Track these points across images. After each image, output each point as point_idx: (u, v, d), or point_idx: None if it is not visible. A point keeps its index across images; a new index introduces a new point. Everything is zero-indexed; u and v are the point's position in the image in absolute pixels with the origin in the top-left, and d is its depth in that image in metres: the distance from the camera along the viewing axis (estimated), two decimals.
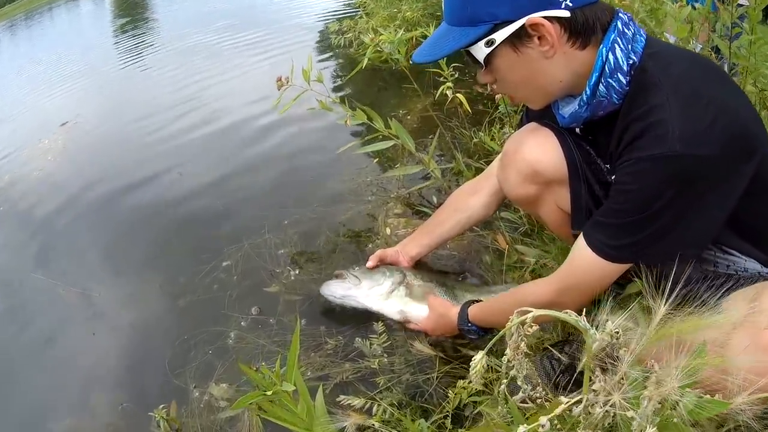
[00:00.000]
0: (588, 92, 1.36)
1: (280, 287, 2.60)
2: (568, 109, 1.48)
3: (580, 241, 1.44)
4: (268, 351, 2.29)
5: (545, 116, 1.68)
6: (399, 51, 2.62)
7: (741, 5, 2.21)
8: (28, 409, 2.38)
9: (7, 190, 4.37)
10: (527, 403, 1.63)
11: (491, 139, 3.05)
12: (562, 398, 1.03)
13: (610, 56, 1.30)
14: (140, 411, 2.18)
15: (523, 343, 1.03)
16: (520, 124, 1.86)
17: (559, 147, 1.62)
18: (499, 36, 1.32)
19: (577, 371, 1.08)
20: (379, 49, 2.69)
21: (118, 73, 6.67)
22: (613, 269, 1.40)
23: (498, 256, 2.42)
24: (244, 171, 3.71)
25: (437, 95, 2.89)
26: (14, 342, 2.76)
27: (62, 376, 2.50)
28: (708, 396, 0.94)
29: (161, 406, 2.10)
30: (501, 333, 1.03)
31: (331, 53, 5.91)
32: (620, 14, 1.36)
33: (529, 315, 0.96)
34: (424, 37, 2.73)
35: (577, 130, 1.61)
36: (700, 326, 0.99)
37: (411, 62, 1.60)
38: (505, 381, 1.11)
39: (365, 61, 2.75)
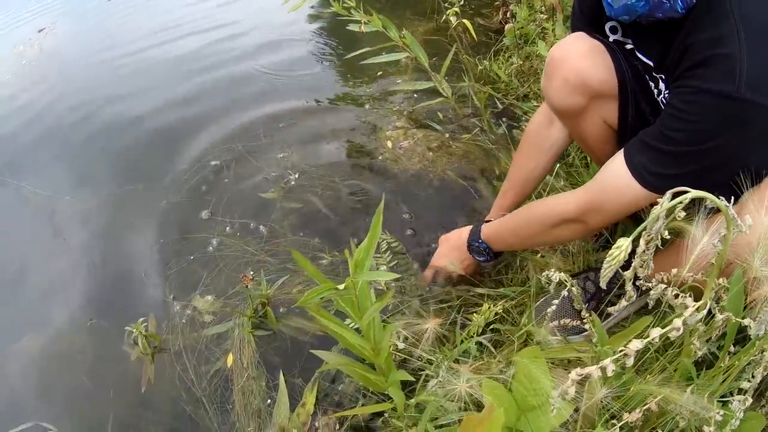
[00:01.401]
0: None
1: (278, 193, 2.44)
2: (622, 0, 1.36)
3: (618, 159, 1.34)
4: (258, 261, 2.13)
5: (594, 12, 1.55)
6: None
7: None
8: None
9: None
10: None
11: (498, 68, 2.94)
12: (689, 301, 0.94)
13: None
14: (112, 327, 2.03)
15: (665, 233, 0.91)
16: (573, 15, 1.71)
17: (609, 59, 1.52)
18: None
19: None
20: None
21: None
22: (646, 197, 1.30)
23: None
24: (241, 77, 3.46)
25: (442, 20, 2.74)
26: None
27: (21, 287, 2.30)
28: None
29: (140, 320, 1.93)
30: (646, 223, 0.90)
31: None
32: None
33: (687, 195, 0.85)
34: None
35: (611, 39, 1.53)
36: None
37: None
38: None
39: None
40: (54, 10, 5.26)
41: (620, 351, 0.85)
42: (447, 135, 2.65)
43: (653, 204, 1.09)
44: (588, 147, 1.78)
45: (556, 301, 1.33)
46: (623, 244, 0.86)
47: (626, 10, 1.32)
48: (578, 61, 1.53)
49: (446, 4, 2.76)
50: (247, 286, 1.93)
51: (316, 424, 1.62)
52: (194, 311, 2.00)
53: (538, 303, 1.72)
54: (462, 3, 2.81)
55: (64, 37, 4.70)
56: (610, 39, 1.54)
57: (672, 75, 1.28)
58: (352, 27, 2.36)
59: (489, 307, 1.68)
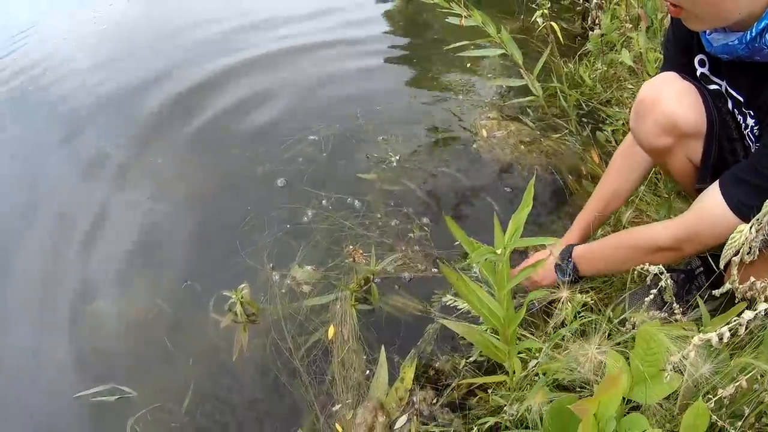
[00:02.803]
0: (753, 33, 1.29)
1: (378, 174, 2.52)
2: (721, 39, 1.41)
3: (715, 192, 1.42)
4: (356, 234, 2.20)
5: (686, 42, 1.61)
6: None
7: None
8: (73, 282, 2.23)
9: (68, 47, 4.20)
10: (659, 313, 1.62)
11: (584, 71, 2.99)
12: None
13: None
14: (200, 293, 2.09)
15: None
16: (666, 44, 1.78)
17: (700, 102, 1.57)
18: None
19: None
20: None
21: None
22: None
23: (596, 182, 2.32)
24: (337, 59, 3.58)
25: (531, 20, 2.80)
26: (58, 205, 2.62)
27: (115, 247, 2.35)
28: None
29: (241, 286, 1.97)
30: (759, 215, 1.01)
31: None
32: None
33: None
34: None
35: (698, 72, 1.59)
36: None
37: None
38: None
39: None
40: None
41: (735, 321, 0.95)
42: (538, 132, 2.71)
43: None
44: (669, 175, 1.85)
45: (654, 291, 1.38)
46: (744, 229, 0.95)
47: (726, 50, 1.39)
48: (669, 104, 1.57)
49: (534, 5, 2.83)
50: (354, 260, 1.98)
51: (414, 398, 1.68)
52: (293, 281, 2.06)
53: (628, 294, 1.77)
54: (549, 5, 2.87)
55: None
56: (698, 72, 1.59)
57: (765, 112, 1.36)
58: (451, 20, 2.45)
59: (581, 297, 1.75)
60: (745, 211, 1.33)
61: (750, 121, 1.45)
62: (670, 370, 1.01)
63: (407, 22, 4.02)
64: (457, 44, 2.54)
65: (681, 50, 1.65)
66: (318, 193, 2.42)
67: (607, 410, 0.96)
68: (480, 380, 1.66)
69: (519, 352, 1.55)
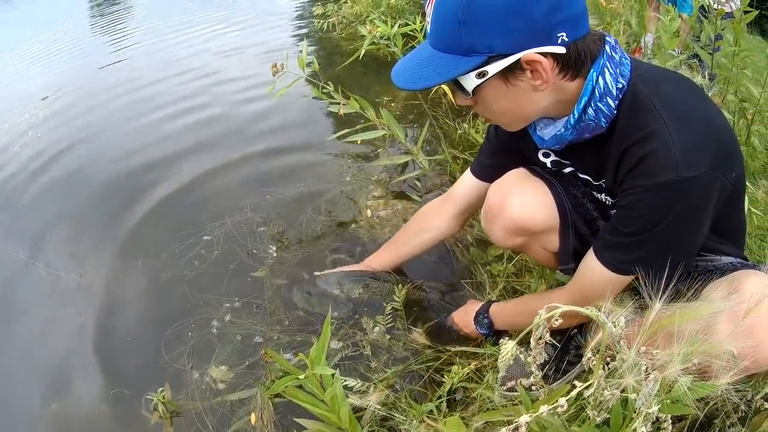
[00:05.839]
0: (575, 116, 1.37)
1: (266, 271, 2.61)
2: (549, 131, 1.50)
3: (590, 258, 1.50)
4: (269, 338, 2.32)
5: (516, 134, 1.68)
6: (396, 44, 2.68)
7: (728, 16, 2.31)
8: (5, 397, 2.34)
9: None
10: (514, 390, 1.75)
11: (476, 132, 3.11)
12: (576, 383, 1.12)
13: (600, 80, 1.32)
14: (131, 394, 2.21)
15: (547, 334, 1.11)
16: (487, 138, 1.93)
17: (550, 198, 1.66)
18: (493, 69, 1.27)
19: (581, 363, 1.17)
20: (375, 41, 2.76)
21: (101, 49, 6.62)
22: (623, 281, 1.47)
23: (482, 247, 2.49)
24: (228, 153, 3.68)
25: None
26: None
27: (44, 361, 2.46)
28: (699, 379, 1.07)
29: (160, 389, 2.11)
30: (528, 328, 1.11)
31: (314, 37, 6.02)
32: (607, 38, 1.35)
33: (557, 311, 1.05)
34: (414, 32, 2.85)
35: (548, 162, 1.69)
36: (688, 317, 1.11)
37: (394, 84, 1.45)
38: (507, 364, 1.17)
39: (362, 51, 2.82)
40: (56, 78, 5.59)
41: (514, 423, 1.04)
42: None
43: None
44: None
45: (500, 366, 1.51)
46: (510, 347, 1.08)
47: (556, 141, 1.49)
48: (516, 209, 1.66)
49: None
50: (266, 362, 2.14)
51: None
52: (210, 379, 2.19)
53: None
54: None
55: (67, 105, 4.98)
56: (547, 162, 1.68)
57: (614, 179, 1.43)
58: (332, 109, 2.60)
59: (459, 368, 1.90)
60: (621, 266, 1.43)
61: (604, 195, 1.57)
62: None
63: (298, 111, 4.17)
64: (339, 134, 2.69)
65: (507, 150, 1.80)
66: (221, 298, 2.51)
67: None
68: None
69: None
